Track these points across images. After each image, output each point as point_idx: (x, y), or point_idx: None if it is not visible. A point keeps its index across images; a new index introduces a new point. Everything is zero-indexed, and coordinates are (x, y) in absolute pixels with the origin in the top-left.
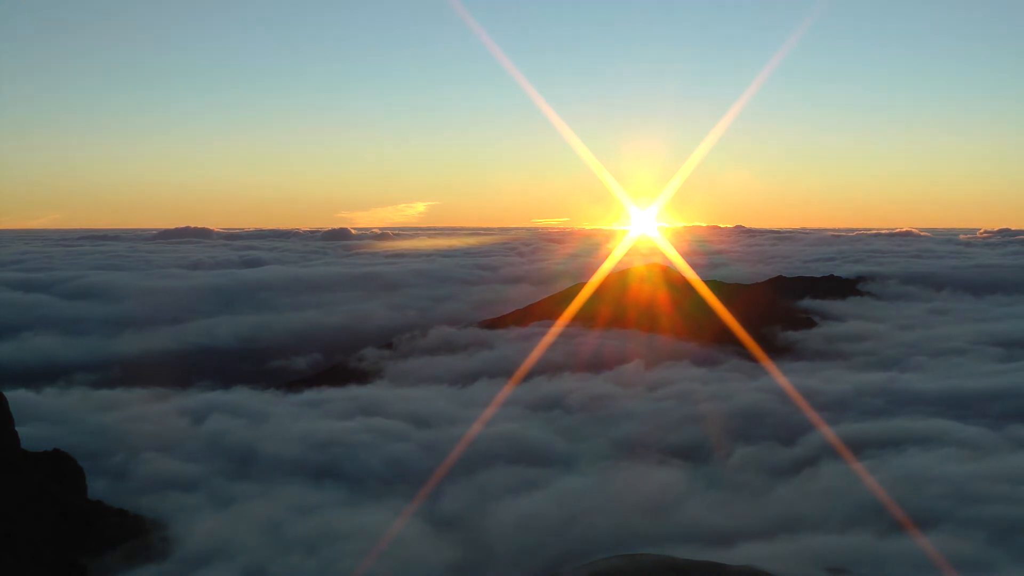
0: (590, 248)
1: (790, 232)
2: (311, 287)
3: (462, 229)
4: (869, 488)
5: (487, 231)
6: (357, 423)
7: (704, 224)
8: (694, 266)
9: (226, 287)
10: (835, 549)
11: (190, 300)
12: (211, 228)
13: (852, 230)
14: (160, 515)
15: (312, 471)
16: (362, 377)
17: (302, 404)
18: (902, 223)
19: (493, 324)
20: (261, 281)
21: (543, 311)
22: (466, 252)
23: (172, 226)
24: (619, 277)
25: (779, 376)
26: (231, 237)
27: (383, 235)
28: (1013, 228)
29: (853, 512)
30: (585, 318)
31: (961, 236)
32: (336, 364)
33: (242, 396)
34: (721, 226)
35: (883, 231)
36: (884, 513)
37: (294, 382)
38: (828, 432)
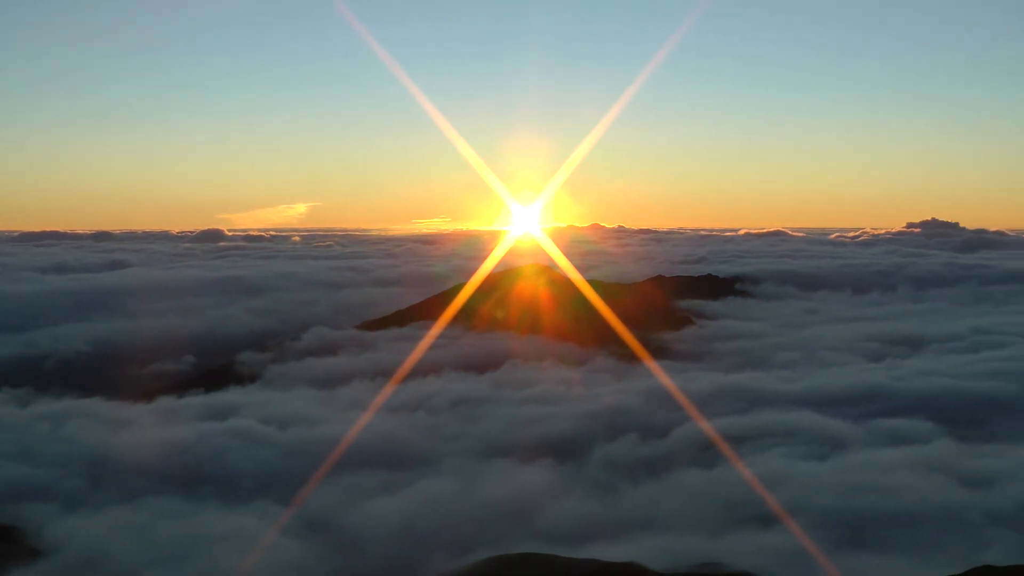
0: (469, 248)
1: (668, 232)
2: (173, 291)
3: (339, 230)
4: (730, 484)
5: (364, 232)
6: (226, 427)
7: (586, 224)
8: (576, 266)
9: (83, 291)
10: (700, 545)
11: (44, 305)
12: (80, 230)
13: (725, 230)
14: (23, 523)
15: (181, 477)
16: (233, 382)
17: (167, 410)
18: (774, 223)
19: (371, 326)
20: (121, 285)
21: (423, 312)
22: (338, 255)
23: (41, 228)
24: (500, 277)
25: (653, 375)
26: (100, 238)
27: (256, 237)
28: (880, 229)
29: (715, 508)
30: (465, 319)
31: (832, 236)
32: (204, 369)
33: (102, 403)
34: (603, 225)
35: (755, 231)
36: (745, 507)
37: (157, 388)
38: (693, 430)
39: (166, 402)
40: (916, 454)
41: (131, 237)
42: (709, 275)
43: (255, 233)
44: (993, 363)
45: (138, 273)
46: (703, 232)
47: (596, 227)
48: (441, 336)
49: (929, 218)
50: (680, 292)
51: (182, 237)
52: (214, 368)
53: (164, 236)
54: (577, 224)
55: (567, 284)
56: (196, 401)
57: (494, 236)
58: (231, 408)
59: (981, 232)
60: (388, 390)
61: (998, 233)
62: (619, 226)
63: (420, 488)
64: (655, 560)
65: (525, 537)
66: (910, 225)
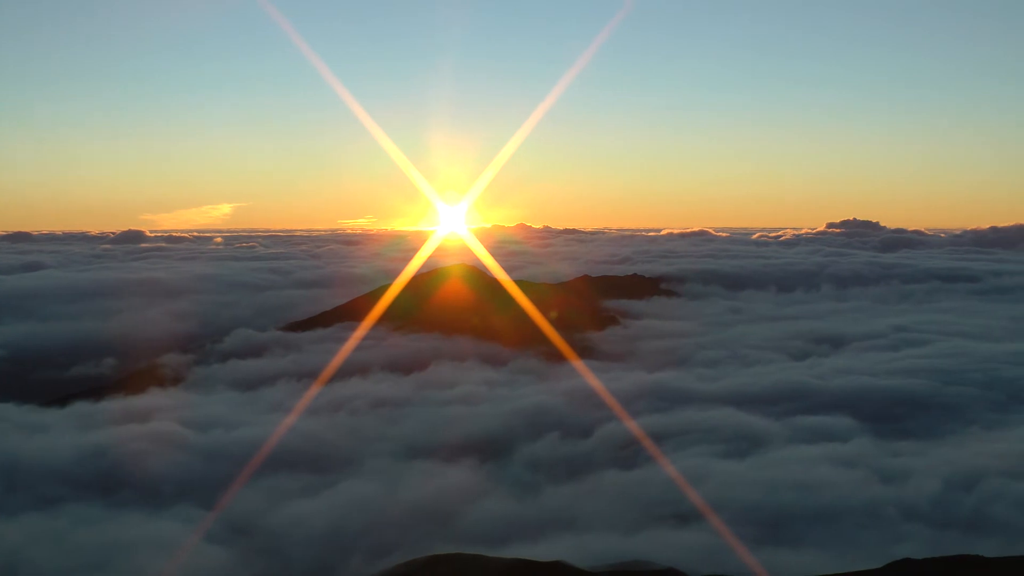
0: (394, 248)
1: (592, 232)
2: (90, 293)
3: (263, 231)
4: (651, 482)
5: (289, 233)
6: (147, 431)
7: (512, 224)
8: (502, 266)
9: None
10: (622, 542)
11: None
12: None
13: (648, 230)
14: None
15: (100, 482)
16: (154, 384)
17: (85, 414)
18: (696, 223)
19: (296, 327)
20: (35, 287)
21: (348, 313)
22: (260, 256)
23: None
24: (426, 278)
25: (577, 375)
26: (17, 239)
27: (177, 238)
28: (802, 229)
29: (637, 505)
30: (390, 320)
31: (755, 236)
32: (125, 372)
33: (17, 408)
34: (529, 225)
35: (678, 231)
36: (667, 505)
37: (75, 392)
38: (616, 429)
39: (84, 406)
40: (836, 451)
41: (49, 239)
42: (635, 275)
43: (177, 234)
44: (913, 360)
45: (53, 275)
46: (627, 232)
47: (522, 227)
48: (366, 337)
49: (850, 218)
50: (605, 292)
51: (101, 238)
52: (135, 371)
53: (83, 237)
54: (503, 224)
55: (493, 284)
56: (116, 404)
57: (420, 236)
58: (152, 411)
59: (900, 231)
60: (312, 392)
61: (917, 232)
62: (545, 226)
63: (342, 490)
64: (579, 558)
65: (447, 537)
66: (831, 225)
